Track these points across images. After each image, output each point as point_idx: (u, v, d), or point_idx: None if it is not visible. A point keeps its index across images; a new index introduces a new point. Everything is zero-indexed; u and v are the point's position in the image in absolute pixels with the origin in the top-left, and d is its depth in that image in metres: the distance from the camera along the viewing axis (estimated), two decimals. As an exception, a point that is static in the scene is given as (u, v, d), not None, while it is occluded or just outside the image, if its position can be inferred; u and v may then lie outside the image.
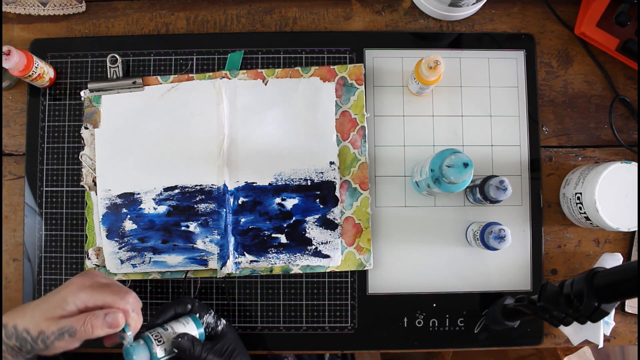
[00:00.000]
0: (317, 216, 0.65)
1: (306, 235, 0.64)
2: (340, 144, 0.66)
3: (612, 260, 0.64)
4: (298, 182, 0.65)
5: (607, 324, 0.65)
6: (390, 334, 0.65)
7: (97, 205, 0.65)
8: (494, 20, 0.70)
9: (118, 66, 0.66)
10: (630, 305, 0.66)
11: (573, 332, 0.65)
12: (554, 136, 0.68)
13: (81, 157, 0.66)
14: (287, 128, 0.66)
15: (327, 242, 0.64)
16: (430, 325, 0.65)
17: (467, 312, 0.65)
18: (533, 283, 0.66)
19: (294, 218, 0.65)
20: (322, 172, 0.65)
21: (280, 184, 0.65)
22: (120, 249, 0.65)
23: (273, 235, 0.65)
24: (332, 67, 0.67)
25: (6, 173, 0.67)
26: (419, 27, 0.70)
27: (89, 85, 0.66)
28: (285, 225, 0.65)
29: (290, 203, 0.65)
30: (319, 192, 0.65)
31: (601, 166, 0.60)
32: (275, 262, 0.64)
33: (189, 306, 0.58)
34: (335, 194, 0.65)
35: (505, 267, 0.66)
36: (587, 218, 0.61)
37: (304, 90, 0.66)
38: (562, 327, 0.65)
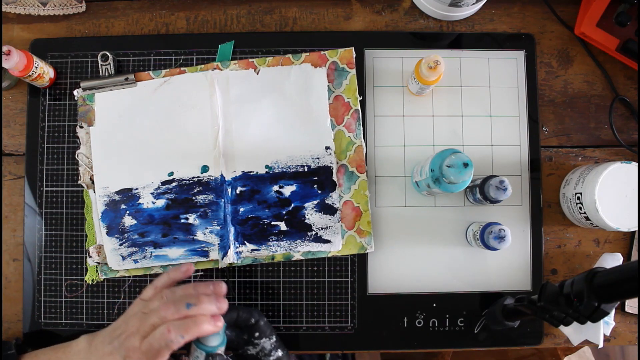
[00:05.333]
0: (315, 202, 0.65)
1: (306, 221, 0.65)
2: (335, 129, 0.66)
3: (612, 260, 0.64)
4: (295, 169, 0.65)
5: (607, 324, 0.65)
6: (390, 334, 0.65)
7: (96, 202, 0.65)
8: (494, 20, 0.70)
9: (109, 63, 0.66)
10: (630, 305, 0.66)
11: (573, 332, 0.65)
12: (554, 136, 0.68)
13: (77, 156, 0.66)
14: (281, 116, 0.66)
15: (327, 227, 0.64)
16: (430, 325, 0.65)
17: (467, 312, 0.65)
18: (533, 283, 0.66)
19: (292, 205, 0.65)
20: (318, 158, 0.65)
21: (277, 171, 0.65)
22: (121, 245, 0.65)
23: (272, 223, 0.65)
24: (322, 52, 0.67)
25: (6, 173, 0.67)
26: (419, 27, 0.70)
27: (81, 84, 0.66)
28: (284, 212, 0.65)
29: (288, 190, 0.65)
30: (316, 178, 0.65)
31: (601, 166, 0.60)
32: (277, 250, 0.65)
33: (252, 320, 0.57)
34: (333, 178, 0.65)
35: (505, 267, 0.66)
36: (587, 218, 0.61)
37: (296, 77, 0.66)
38: (562, 327, 0.65)
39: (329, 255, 0.65)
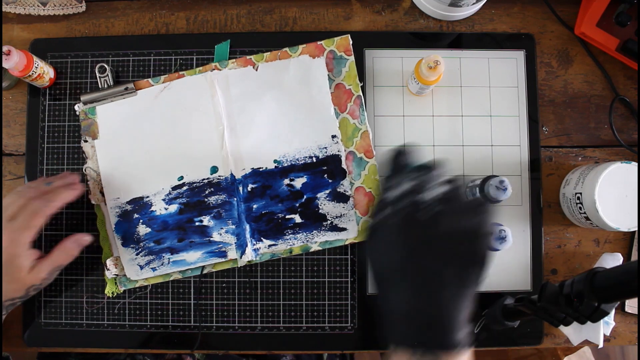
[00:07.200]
0: (327, 191, 0.65)
1: (320, 211, 0.65)
2: (339, 117, 0.66)
3: (612, 260, 0.64)
4: (303, 161, 0.65)
5: (607, 324, 0.65)
6: (390, 334, 0.65)
7: (108, 215, 0.65)
8: (494, 20, 0.70)
9: (108, 75, 0.66)
10: (630, 305, 0.66)
11: (573, 332, 0.65)
12: (554, 136, 0.68)
13: (85, 170, 0.65)
14: (284, 109, 0.66)
15: (341, 215, 0.65)
16: (430, 325, 0.65)
17: (467, 312, 0.65)
18: (533, 283, 0.66)
19: (305, 196, 0.65)
20: (325, 147, 0.65)
21: (286, 165, 0.65)
22: (137, 254, 0.64)
23: (287, 216, 0.65)
24: (319, 42, 0.67)
25: (6, 173, 0.67)
26: (419, 27, 0.70)
27: (81, 98, 0.66)
28: (297, 204, 0.65)
29: (299, 182, 0.65)
30: (325, 167, 0.65)
31: (601, 166, 0.60)
32: (294, 243, 0.65)
33: None
34: (342, 166, 0.65)
35: (505, 267, 0.66)
36: (587, 218, 0.61)
37: (295, 70, 0.66)
38: (562, 327, 0.65)
39: (347, 242, 0.65)
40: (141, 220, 0.65)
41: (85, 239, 0.59)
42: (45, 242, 0.65)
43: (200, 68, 0.67)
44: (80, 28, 0.70)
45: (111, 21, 0.70)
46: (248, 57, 0.67)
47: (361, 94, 0.66)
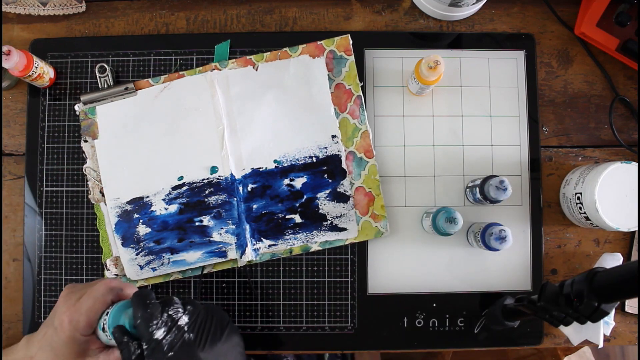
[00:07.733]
0: (327, 191, 0.65)
1: (320, 211, 0.65)
2: (339, 117, 0.66)
3: (612, 260, 0.64)
4: (304, 161, 0.65)
5: (607, 324, 0.65)
6: (390, 334, 0.65)
7: (108, 215, 0.65)
8: (494, 20, 0.70)
9: (107, 75, 0.66)
10: (630, 305, 0.66)
11: (573, 332, 0.65)
12: (554, 136, 0.68)
13: (85, 170, 0.65)
14: (284, 109, 0.66)
15: (341, 215, 0.65)
16: (430, 325, 0.65)
17: (467, 312, 0.65)
18: (533, 283, 0.66)
19: (305, 196, 0.65)
20: (325, 147, 0.65)
21: (286, 165, 0.65)
22: (137, 254, 0.64)
23: (287, 216, 0.65)
24: (319, 42, 0.67)
25: (6, 173, 0.67)
26: (419, 27, 0.70)
27: (81, 98, 0.66)
28: (297, 204, 0.65)
29: (299, 182, 0.65)
30: (325, 167, 0.65)
31: (601, 166, 0.60)
32: (294, 243, 0.65)
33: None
34: (342, 166, 0.65)
35: (505, 267, 0.66)
36: (587, 218, 0.61)
37: (295, 70, 0.66)
38: (562, 327, 0.65)
39: (347, 242, 0.65)
40: (141, 220, 0.65)
41: None
42: (44, 242, 0.65)
43: (200, 68, 0.67)
44: (80, 28, 0.70)
45: (111, 21, 0.70)
46: (248, 57, 0.67)
47: (361, 94, 0.66)
